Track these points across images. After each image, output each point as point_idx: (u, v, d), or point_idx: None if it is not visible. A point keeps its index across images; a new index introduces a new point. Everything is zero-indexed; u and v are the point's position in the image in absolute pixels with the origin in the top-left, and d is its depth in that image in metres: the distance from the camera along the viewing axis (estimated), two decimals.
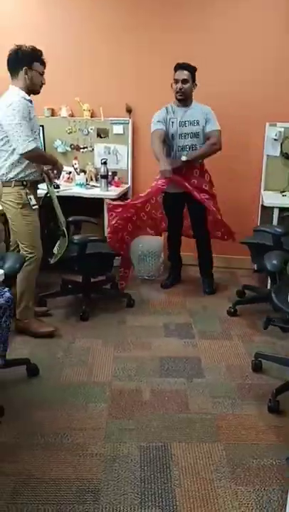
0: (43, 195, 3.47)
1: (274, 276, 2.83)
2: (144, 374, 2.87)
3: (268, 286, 3.80)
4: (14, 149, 3.03)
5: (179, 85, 3.68)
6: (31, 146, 2.99)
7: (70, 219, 3.62)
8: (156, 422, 2.43)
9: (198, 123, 3.75)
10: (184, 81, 3.67)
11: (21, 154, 3.01)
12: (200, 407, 2.56)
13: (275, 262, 2.77)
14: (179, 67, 3.69)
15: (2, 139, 3.05)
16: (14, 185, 3.12)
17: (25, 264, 2.90)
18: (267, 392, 2.63)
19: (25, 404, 2.57)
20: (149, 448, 2.24)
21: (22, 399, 2.61)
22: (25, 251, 3.18)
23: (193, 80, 3.73)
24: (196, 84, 3.75)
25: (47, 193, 3.48)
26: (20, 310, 3.25)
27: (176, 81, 3.70)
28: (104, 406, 2.56)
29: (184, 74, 3.66)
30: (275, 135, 4.25)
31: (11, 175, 3.10)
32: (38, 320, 3.41)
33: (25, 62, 3.09)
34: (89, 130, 4.59)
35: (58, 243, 3.50)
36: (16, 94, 3.06)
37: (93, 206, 4.16)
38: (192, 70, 3.70)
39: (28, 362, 2.84)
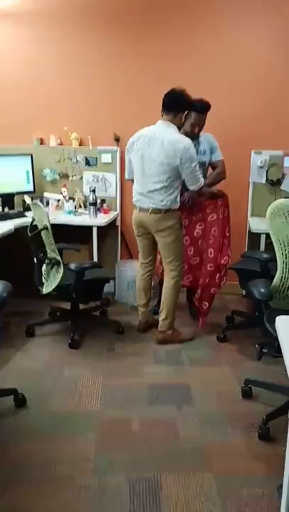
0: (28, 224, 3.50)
1: (263, 305, 2.81)
2: (134, 403, 2.84)
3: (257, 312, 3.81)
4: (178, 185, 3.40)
5: (197, 129, 3.66)
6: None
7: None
8: (146, 453, 2.39)
9: (205, 152, 3.78)
10: (203, 124, 3.70)
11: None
12: (190, 436, 2.53)
13: (263, 290, 2.75)
14: (205, 109, 3.64)
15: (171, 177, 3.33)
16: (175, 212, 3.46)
17: (174, 278, 3.54)
18: (257, 420, 2.61)
19: (12, 436, 2.52)
20: (138, 480, 2.20)
21: (9, 430, 2.57)
22: (175, 266, 3.55)
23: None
24: None
25: (33, 221, 3.50)
26: (168, 321, 3.61)
27: (194, 125, 3.63)
28: (93, 436, 2.52)
29: (204, 117, 3.66)
30: (261, 162, 4.34)
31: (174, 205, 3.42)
32: (175, 329, 3.70)
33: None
34: (77, 159, 4.65)
35: (51, 272, 3.50)
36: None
37: (79, 233, 4.19)
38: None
39: (15, 392, 2.80)
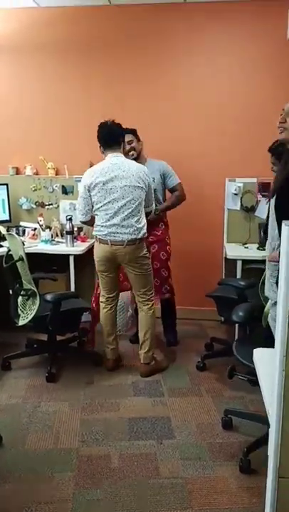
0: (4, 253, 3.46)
1: (242, 328, 2.86)
2: (113, 437, 2.78)
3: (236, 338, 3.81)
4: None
5: (128, 147, 3.75)
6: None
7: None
8: (126, 491, 2.33)
9: (154, 179, 3.82)
10: (130, 142, 3.78)
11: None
12: (170, 471, 2.48)
13: (241, 313, 2.80)
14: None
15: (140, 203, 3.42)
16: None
17: (151, 309, 3.54)
18: (238, 451, 2.59)
19: None
20: None
21: None
22: (149, 296, 3.55)
23: (138, 140, 3.85)
24: (141, 142, 3.87)
25: (9, 251, 3.46)
26: (152, 353, 3.58)
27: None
28: (71, 475, 2.45)
29: (128, 136, 3.75)
30: (235, 190, 4.41)
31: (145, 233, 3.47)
32: (156, 358, 3.69)
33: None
34: (54, 187, 4.65)
35: (27, 304, 3.45)
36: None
37: (55, 262, 4.16)
38: (133, 131, 3.82)
39: None
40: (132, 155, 3.79)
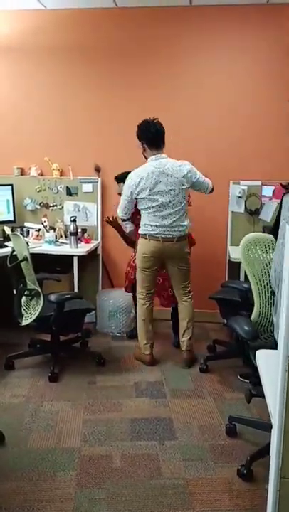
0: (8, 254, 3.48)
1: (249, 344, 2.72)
2: (115, 438, 2.79)
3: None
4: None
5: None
6: None
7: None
8: (128, 491, 2.34)
9: None
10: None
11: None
12: (172, 472, 2.49)
13: (247, 328, 2.62)
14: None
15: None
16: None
17: (191, 298, 3.77)
18: (239, 453, 2.59)
19: None
20: None
21: None
22: (189, 288, 3.76)
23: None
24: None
25: (13, 251, 3.47)
26: (193, 340, 3.78)
27: None
28: (73, 474, 2.46)
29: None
30: (239, 192, 4.42)
31: None
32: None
33: None
34: (58, 188, 4.67)
35: (31, 304, 3.46)
36: None
37: (59, 263, 4.18)
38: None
39: None
40: None
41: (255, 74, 4.38)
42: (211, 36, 4.38)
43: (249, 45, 4.35)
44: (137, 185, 3.47)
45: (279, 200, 2.32)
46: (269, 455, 1.54)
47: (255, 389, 2.66)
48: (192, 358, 3.74)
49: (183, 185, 3.50)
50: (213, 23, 4.34)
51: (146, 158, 3.59)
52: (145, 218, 3.57)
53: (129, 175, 3.56)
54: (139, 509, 2.21)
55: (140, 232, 3.63)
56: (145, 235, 3.57)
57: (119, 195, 3.88)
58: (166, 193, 3.47)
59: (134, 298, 4.28)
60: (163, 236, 3.52)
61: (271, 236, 2.54)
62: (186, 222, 3.58)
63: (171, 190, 3.47)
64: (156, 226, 3.52)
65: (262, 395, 2.32)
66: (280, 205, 2.30)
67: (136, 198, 3.54)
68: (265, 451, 2.44)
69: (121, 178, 3.91)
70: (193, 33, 4.39)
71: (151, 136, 3.50)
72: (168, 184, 3.46)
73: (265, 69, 4.36)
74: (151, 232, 3.54)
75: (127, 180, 3.56)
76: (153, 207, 3.49)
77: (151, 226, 3.53)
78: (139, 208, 3.61)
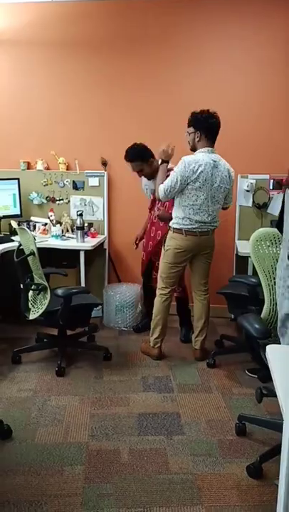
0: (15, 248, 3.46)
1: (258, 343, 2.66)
2: (122, 432, 2.78)
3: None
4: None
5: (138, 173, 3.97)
6: None
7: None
8: (136, 486, 2.33)
9: None
10: (139, 172, 3.94)
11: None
12: (180, 467, 2.47)
13: (258, 326, 2.55)
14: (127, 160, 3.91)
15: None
16: None
17: (208, 294, 3.76)
18: (248, 449, 2.57)
19: None
20: None
21: None
22: (207, 285, 3.74)
23: (148, 162, 3.89)
24: (152, 160, 3.90)
25: (20, 246, 3.46)
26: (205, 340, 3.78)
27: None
28: (81, 469, 2.45)
29: (134, 166, 3.90)
30: (247, 186, 4.38)
31: None
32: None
33: None
34: (65, 182, 4.65)
35: (37, 298, 3.45)
36: None
37: (66, 257, 4.17)
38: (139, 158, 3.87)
39: (0, 423, 2.72)
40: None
41: (265, 67, 4.32)
42: (221, 26, 4.32)
43: (261, 38, 4.28)
44: (195, 171, 3.34)
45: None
46: (280, 455, 1.51)
47: (265, 388, 2.64)
48: (205, 356, 3.73)
49: (227, 186, 3.51)
50: (225, 12, 4.28)
51: (193, 150, 3.48)
52: (185, 212, 3.45)
53: (186, 159, 3.37)
54: (147, 504, 2.20)
55: (174, 226, 3.53)
56: (181, 229, 3.49)
57: (138, 173, 3.87)
58: (217, 189, 3.44)
59: (144, 289, 4.28)
60: (200, 230, 3.50)
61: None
62: (218, 217, 3.63)
63: (221, 186, 3.45)
64: (195, 221, 3.46)
65: (273, 394, 2.28)
66: (283, 200, 2.28)
67: (188, 183, 3.37)
68: (276, 451, 2.40)
69: (135, 155, 3.82)
70: (203, 23, 4.33)
71: (211, 127, 3.42)
72: (221, 180, 3.43)
73: (275, 62, 4.30)
74: (189, 227, 3.47)
75: (182, 164, 3.36)
76: (198, 201, 3.40)
77: (190, 220, 3.46)
78: (180, 198, 3.45)
